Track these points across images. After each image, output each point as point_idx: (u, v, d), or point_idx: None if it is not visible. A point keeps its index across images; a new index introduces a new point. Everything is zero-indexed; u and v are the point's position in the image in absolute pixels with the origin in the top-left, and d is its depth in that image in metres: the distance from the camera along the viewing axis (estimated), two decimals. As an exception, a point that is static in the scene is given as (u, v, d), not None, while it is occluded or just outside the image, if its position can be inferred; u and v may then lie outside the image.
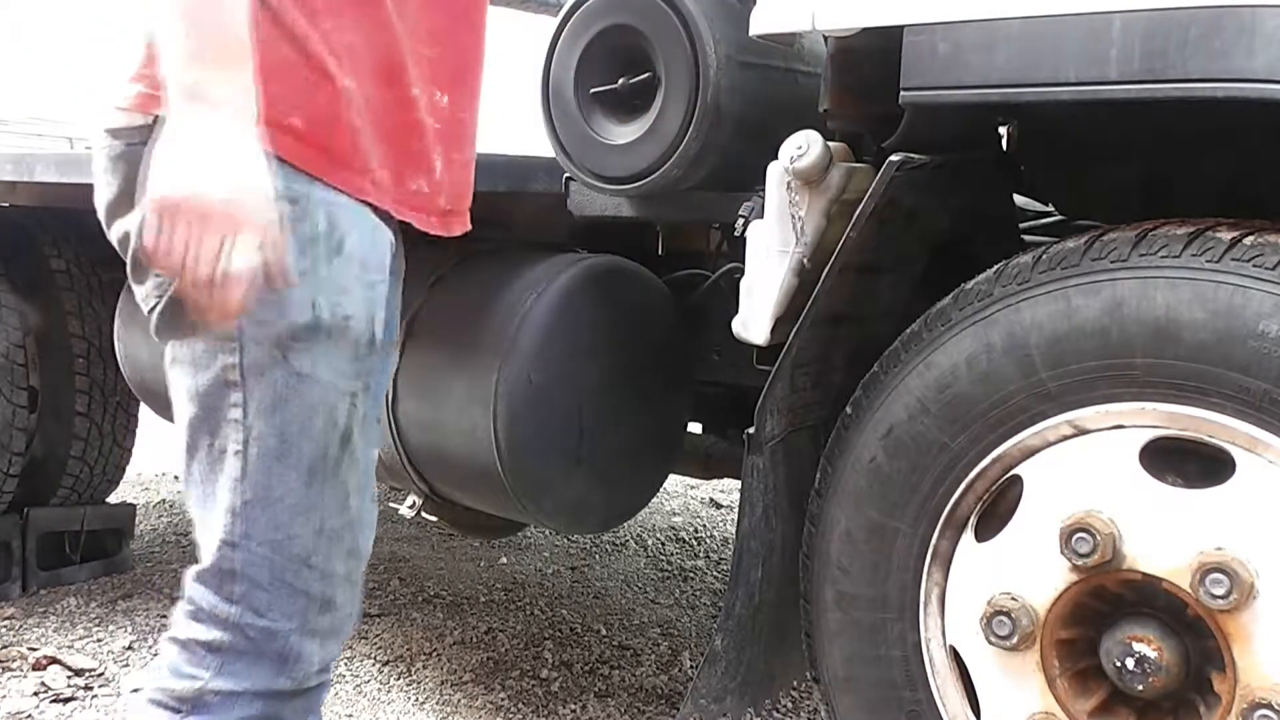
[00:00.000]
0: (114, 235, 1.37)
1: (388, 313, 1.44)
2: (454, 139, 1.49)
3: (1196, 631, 1.39)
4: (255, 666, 1.30)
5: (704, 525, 4.09)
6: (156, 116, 1.22)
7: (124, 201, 1.29)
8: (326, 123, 1.29)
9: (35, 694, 2.67)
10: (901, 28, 1.54)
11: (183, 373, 1.32)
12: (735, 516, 1.87)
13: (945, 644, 1.60)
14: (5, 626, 3.09)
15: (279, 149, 1.22)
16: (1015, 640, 1.47)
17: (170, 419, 3.02)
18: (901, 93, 1.56)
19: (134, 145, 1.27)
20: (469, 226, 1.58)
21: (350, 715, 2.58)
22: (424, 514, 2.57)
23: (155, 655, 3.07)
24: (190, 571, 1.35)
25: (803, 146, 1.66)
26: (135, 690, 1.38)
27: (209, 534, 1.32)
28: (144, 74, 1.26)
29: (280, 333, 1.26)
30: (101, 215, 1.38)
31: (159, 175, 1.11)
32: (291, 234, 1.22)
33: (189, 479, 1.35)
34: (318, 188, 1.28)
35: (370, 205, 1.35)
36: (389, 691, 2.70)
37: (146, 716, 1.33)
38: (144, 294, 1.34)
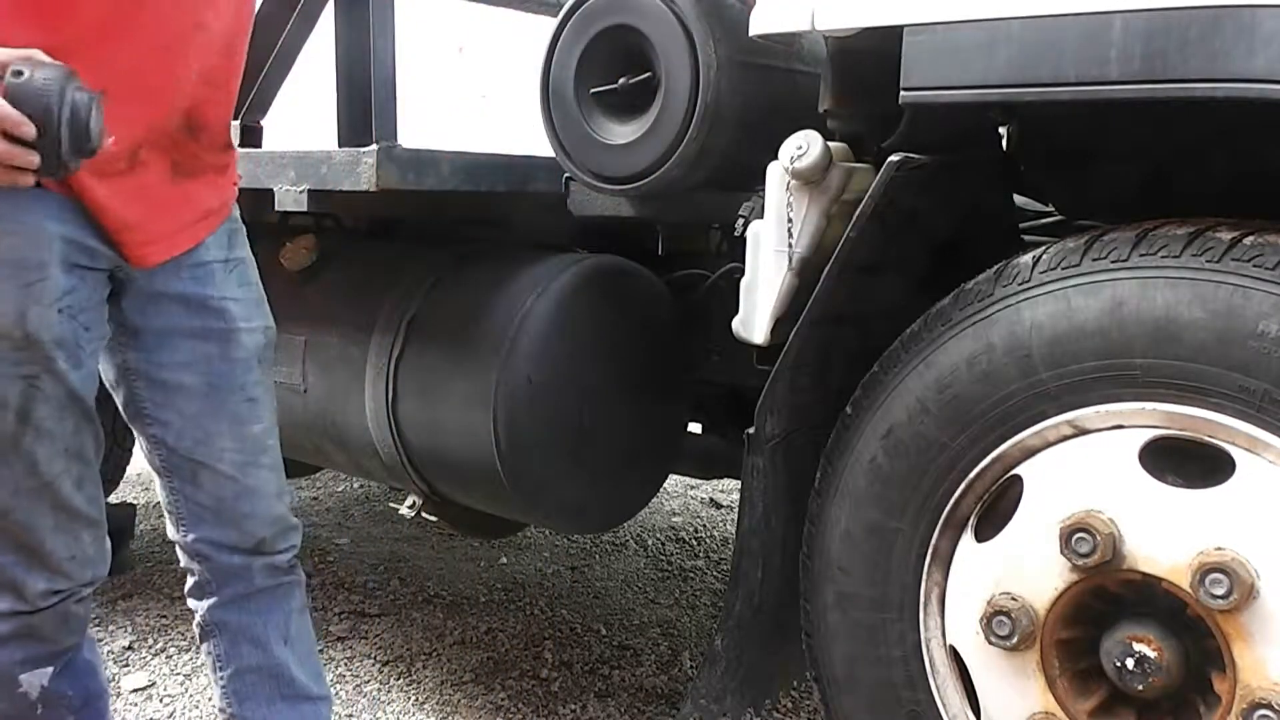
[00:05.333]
0: None
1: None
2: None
3: (1196, 631, 1.39)
4: None
5: (704, 525, 4.09)
6: None
7: None
8: None
9: (35, 694, 2.67)
10: (901, 28, 1.55)
11: None
12: (735, 516, 1.87)
13: (945, 644, 1.60)
14: None
15: None
16: (1015, 640, 1.47)
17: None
18: (901, 93, 1.56)
19: None
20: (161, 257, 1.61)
21: (350, 715, 2.58)
22: (424, 514, 2.58)
23: (155, 655, 3.07)
24: None
25: (803, 146, 1.66)
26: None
27: None
28: None
29: None
30: None
31: None
32: None
33: None
34: None
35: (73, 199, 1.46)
36: (389, 691, 2.70)
37: None
38: None
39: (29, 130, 1.29)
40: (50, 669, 1.63)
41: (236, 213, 1.74)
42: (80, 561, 1.60)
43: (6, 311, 1.45)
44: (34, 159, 1.31)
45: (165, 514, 1.78)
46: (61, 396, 1.51)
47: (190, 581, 1.81)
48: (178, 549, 1.80)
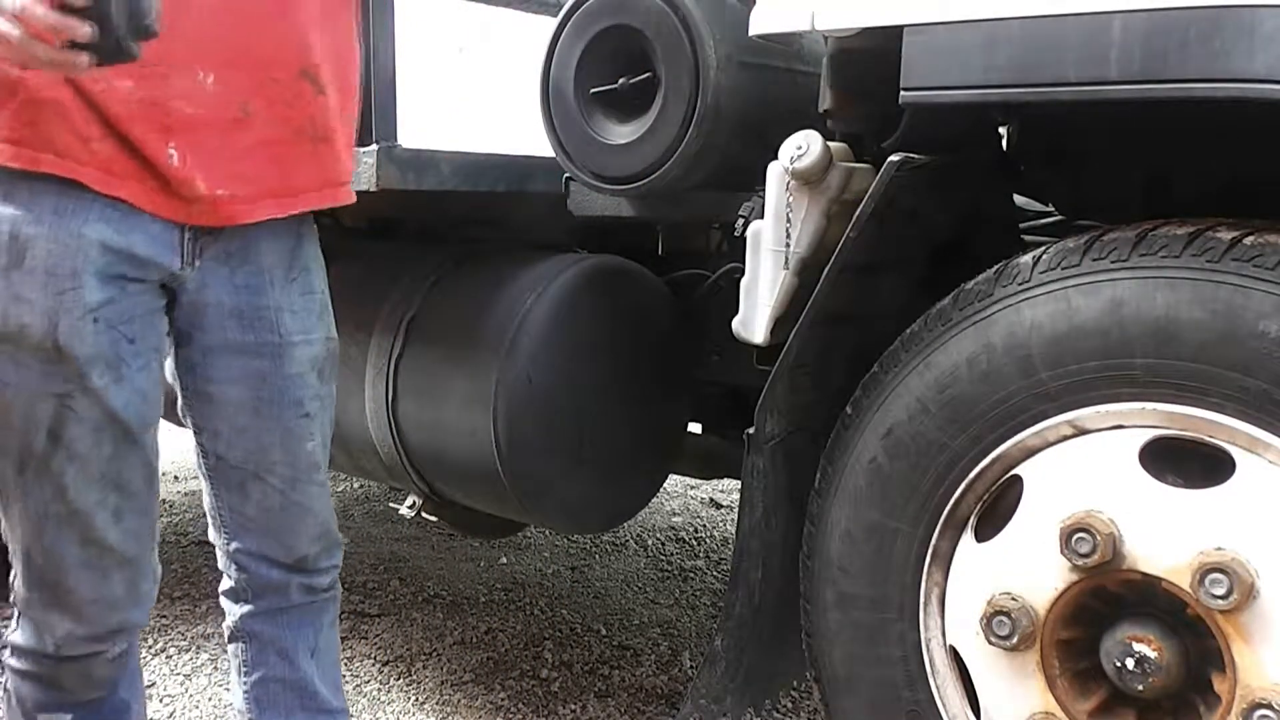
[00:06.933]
0: None
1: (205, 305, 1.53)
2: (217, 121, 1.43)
3: (1196, 631, 1.39)
4: (26, 629, 1.56)
5: (704, 525, 4.09)
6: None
7: None
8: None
9: (35, 694, 2.67)
10: (901, 28, 1.54)
11: None
12: (735, 516, 1.87)
13: (945, 644, 1.60)
14: (5, 627, 3.09)
15: None
16: (1015, 640, 1.47)
17: (171, 419, 3.03)
18: (901, 93, 1.56)
19: None
20: (272, 214, 1.53)
21: (350, 715, 2.58)
22: (424, 514, 2.57)
23: (155, 655, 3.07)
24: None
25: (803, 146, 1.66)
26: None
27: None
28: None
29: None
30: None
31: None
32: None
33: None
34: None
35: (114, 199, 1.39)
36: (389, 691, 2.70)
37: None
38: None
39: None
40: (69, 716, 1.57)
41: (310, 215, 1.64)
42: (106, 604, 1.51)
43: (36, 322, 1.37)
44: (86, 30, 1.16)
45: (208, 517, 1.73)
46: (97, 417, 1.42)
47: (226, 584, 1.77)
48: (217, 552, 1.76)
